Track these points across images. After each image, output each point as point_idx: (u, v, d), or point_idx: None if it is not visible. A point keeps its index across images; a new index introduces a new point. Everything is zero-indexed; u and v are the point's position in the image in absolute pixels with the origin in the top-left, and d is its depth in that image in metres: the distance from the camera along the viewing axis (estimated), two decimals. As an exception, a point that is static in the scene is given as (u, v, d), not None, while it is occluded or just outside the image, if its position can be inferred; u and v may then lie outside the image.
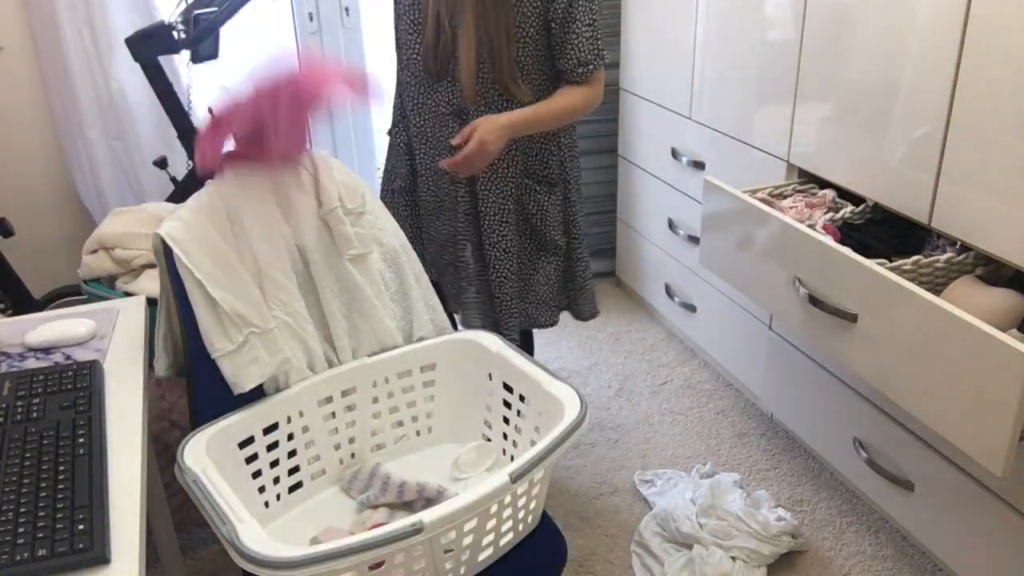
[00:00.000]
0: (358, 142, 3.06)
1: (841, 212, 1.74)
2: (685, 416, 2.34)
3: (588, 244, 1.88)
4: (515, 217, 1.74)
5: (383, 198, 1.86)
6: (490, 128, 1.57)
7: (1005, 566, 1.55)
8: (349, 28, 2.88)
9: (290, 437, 1.33)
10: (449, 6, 1.58)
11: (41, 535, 0.89)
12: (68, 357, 1.30)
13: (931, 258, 1.53)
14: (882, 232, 1.71)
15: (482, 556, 1.17)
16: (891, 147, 1.64)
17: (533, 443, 1.18)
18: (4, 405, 1.12)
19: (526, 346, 2.00)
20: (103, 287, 1.90)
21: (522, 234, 1.78)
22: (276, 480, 1.32)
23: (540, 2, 1.58)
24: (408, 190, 1.83)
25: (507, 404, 1.40)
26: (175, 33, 2.08)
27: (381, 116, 3.09)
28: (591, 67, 1.62)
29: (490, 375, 1.43)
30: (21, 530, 0.90)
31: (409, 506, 1.32)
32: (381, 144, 2.85)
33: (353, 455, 1.43)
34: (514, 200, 1.73)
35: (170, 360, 1.34)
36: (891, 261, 1.54)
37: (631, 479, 2.08)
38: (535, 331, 1.98)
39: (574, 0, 1.58)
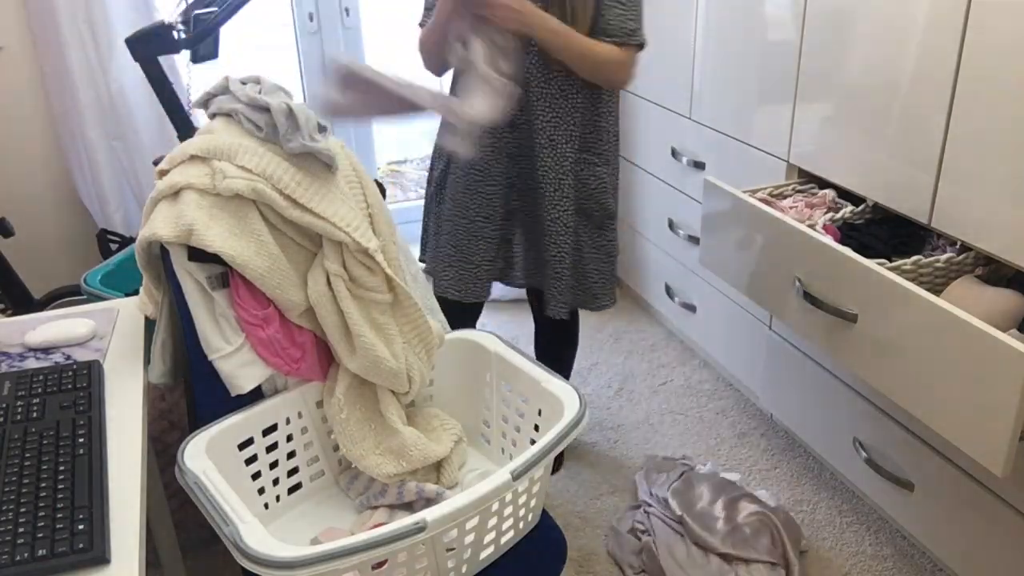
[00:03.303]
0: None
1: (841, 212, 1.74)
2: (685, 416, 2.35)
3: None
4: (572, 193, 1.79)
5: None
6: None
7: (1005, 566, 1.55)
8: (349, 28, 2.88)
9: (289, 438, 1.33)
10: None
11: (41, 535, 0.89)
12: (68, 357, 1.30)
13: (931, 258, 1.53)
14: (882, 232, 1.72)
15: (484, 554, 1.17)
16: (891, 147, 1.65)
17: (533, 442, 1.18)
18: (4, 405, 1.12)
19: (571, 330, 2.04)
20: (105, 287, 1.90)
21: (578, 212, 1.83)
22: (276, 481, 1.32)
23: None
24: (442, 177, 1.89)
25: (506, 403, 1.41)
26: (175, 33, 2.08)
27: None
28: (616, 39, 1.67)
29: (489, 374, 1.43)
30: (21, 530, 0.90)
31: (409, 507, 1.32)
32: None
33: (353, 455, 1.43)
34: (572, 175, 1.78)
35: (166, 367, 1.34)
36: (891, 261, 1.54)
37: (631, 479, 2.08)
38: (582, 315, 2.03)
39: None
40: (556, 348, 2.07)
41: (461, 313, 1.88)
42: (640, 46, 1.71)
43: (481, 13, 1.56)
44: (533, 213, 1.81)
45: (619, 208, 2.89)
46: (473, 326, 1.97)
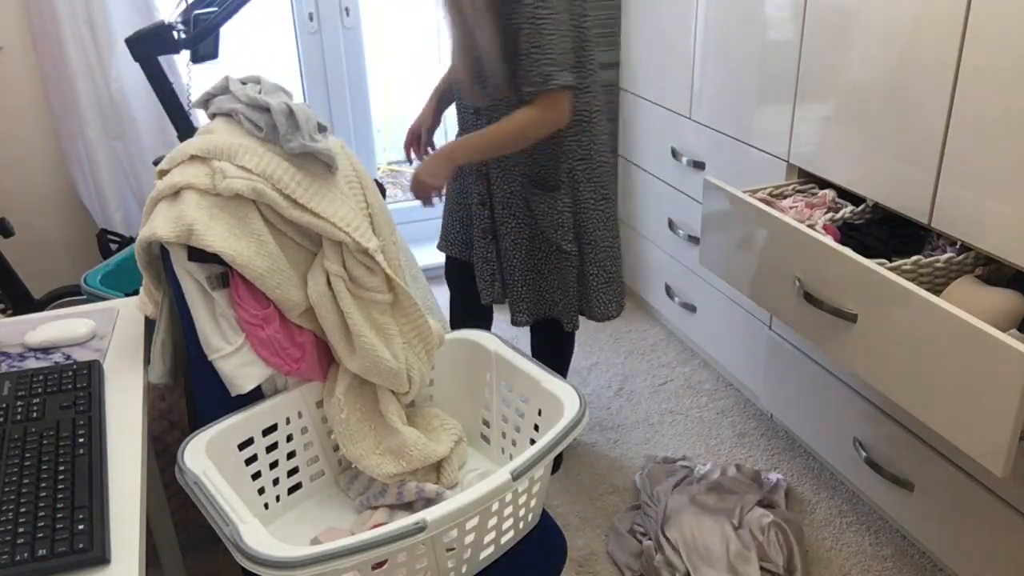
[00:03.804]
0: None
1: (841, 212, 1.74)
2: (685, 416, 2.35)
3: (614, 246, 1.92)
4: (524, 214, 1.83)
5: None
6: (429, 162, 1.72)
7: (1005, 566, 1.55)
8: (349, 28, 2.88)
9: (289, 438, 1.33)
10: (448, 20, 1.72)
11: (41, 535, 0.89)
12: (68, 357, 1.30)
13: (931, 258, 1.53)
14: (882, 232, 1.72)
15: (484, 554, 1.17)
16: (891, 147, 1.65)
17: (532, 442, 1.18)
18: (4, 405, 1.12)
19: (560, 343, 2.07)
20: (105, 287, 1.90)
21: (533, 233, 1.85)
22: (276, 481, 1.32)
23: (504, 23, 1.63)
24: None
25: (506, 403, 1.40)
26: (175, 33, 2.08)
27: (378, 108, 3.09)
28: (534, 89, 1.65)
29: (489, 374, 1.43)
30: (21, 530, 0.90)
31: (409, 507, 1.32)
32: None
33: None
34: (522, 199, 1.82)
35: (166, 367, 1.34)
36: (891, 261, 1.54)
37: (631, 479, 2.08)
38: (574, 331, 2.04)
39: (523, 22, 1.61)
40: (542, 357, 2.09)
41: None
42: (564, 88, 1.67)
43: (424, 196, 1.72)
44: (490, 226, 1.90)
45: (619, 208, 2.91)
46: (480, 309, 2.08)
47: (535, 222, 1.83)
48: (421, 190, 1.72)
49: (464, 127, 1.88)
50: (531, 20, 1.60)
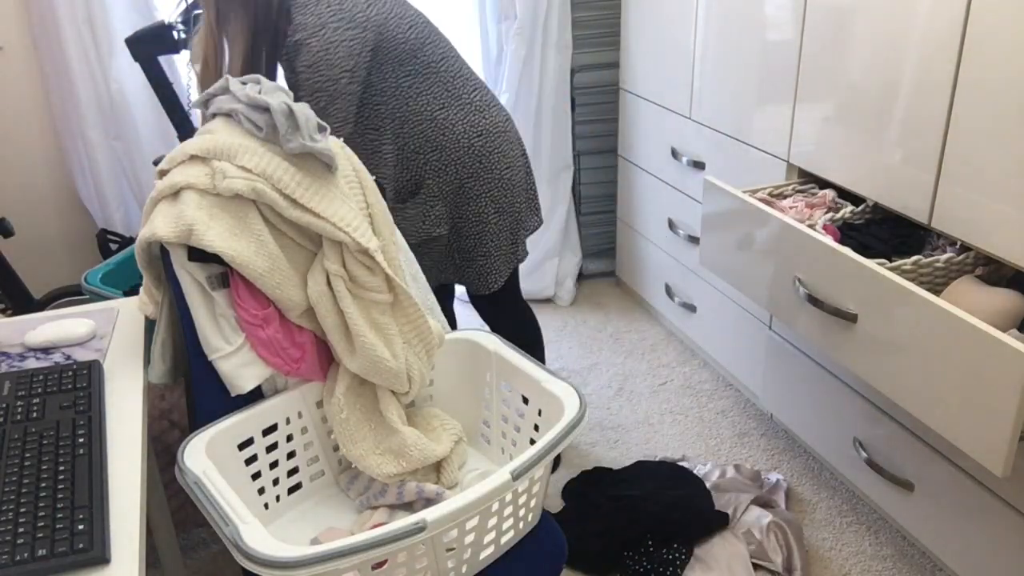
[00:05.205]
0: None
1: (841, 212, 1.74)
2: (685, 416, 2.35)
3: (504, 224, 1.87)
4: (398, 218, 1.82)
5: None
6: None
7: (1005, 566, 1.55)
8: (349, 28, 2.88)
9: (289, 438, 1.33)
10: None
11: (41, 535, 0.89)
12: (68, 357, 1.30)
13: (931, 258, 1.53)
14: (882, 232, 1.72)
15: (484, 554, 1.17)
16: (891, 147, 1.65)
17: (532, 442, 1.18)
18: (4, 405, 1.12)
19: (496, 313, 2.04)
20: (105, 285, 1.90)
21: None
22: (276, 481, 1.32)
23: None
24: None
25: (506, 403, 1.40)
26: (175, 33, 2.08)
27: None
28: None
29: (489, 374, 1.43)
30: (21, 530, 0.90)
31: (409, 507, 1.32)
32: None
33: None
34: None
35: (167, 367, 1.34)
36: (891, 261, 1.55)
37: (631, 479, 2.09)
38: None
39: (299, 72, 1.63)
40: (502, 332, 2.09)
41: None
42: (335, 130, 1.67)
43: None
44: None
45: (619, 208, 2.91)
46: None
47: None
48: None
49: None
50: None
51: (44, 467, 1.00)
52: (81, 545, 0.88)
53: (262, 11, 1.61)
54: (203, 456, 1.15)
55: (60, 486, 0.96)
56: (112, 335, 1.36)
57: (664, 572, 1.70)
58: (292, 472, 1.35)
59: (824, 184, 1.88)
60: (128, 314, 1.43)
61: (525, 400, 1.35)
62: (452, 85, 1.79)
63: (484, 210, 1.83)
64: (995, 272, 1.53)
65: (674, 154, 2.46)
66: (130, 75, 2.42)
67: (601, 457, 2.18)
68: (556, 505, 2.00)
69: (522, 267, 2.95)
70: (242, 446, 1.26)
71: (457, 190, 1.81)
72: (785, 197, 1.87)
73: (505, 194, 1.84)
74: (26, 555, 0.87)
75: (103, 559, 0.89)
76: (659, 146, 2.56)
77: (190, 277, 1.21)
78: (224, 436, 1.22)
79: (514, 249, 1.90)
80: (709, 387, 2.48)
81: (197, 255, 1.20)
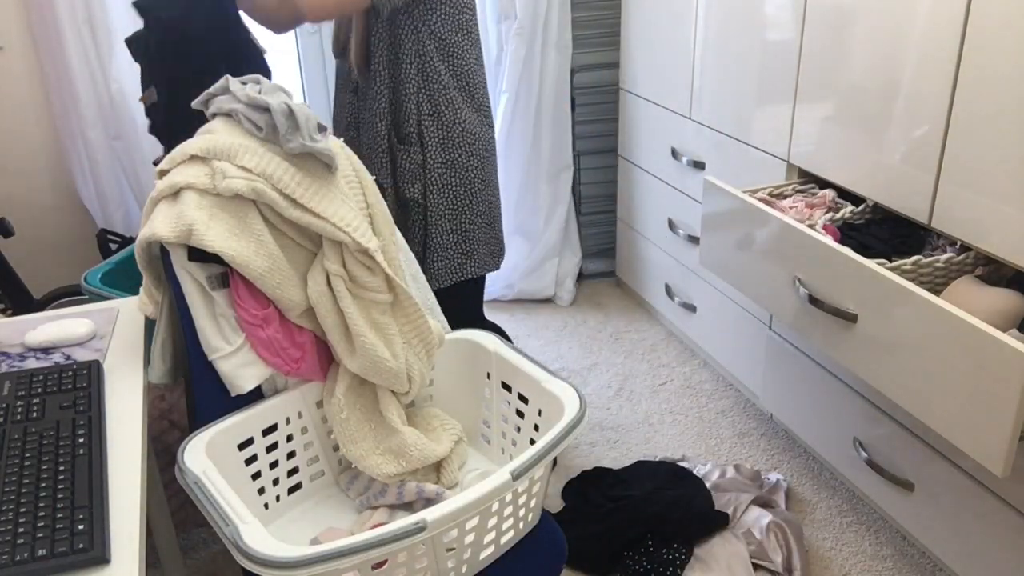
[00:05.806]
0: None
1: (841, 212, 1.74)
2: (685, 416, 2.35)
3: (472, 220, 1.85)
4: (390, 166, 1.80)
5: None
6: None
7: (1005, 566, 1.55)
8: (349, 28, 2.88)
9: (289, 438, 1.33)
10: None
11: (41, 535, 0.89)
12: (68, 357, 1.30)
13: (931, 258, 1.53)
14: (882, 232, 1.72)
15: (484, 554, 1.17)
16: (891, 147, 1.65)
17: (532, 442, 1.18)
18: (4, 405, 1.12)
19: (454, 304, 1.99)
20: (105, 285, 1.90)
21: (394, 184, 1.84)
22: (276, 481, 1.32)
23: None
24: None
25: (507, 403, 1.40)
26: (175, 33, 2.08)
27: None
28: None
29: (489, 374, 1.43)
30: (21, 530, 0.90)
31: (409, 507, 1.32)
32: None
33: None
34: (386, 151, 1.79)
35: (167, 367, 1.34)
36: (891, 261, 1.55)
37: (631, 479, 2.09)
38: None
39: None
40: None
41: None
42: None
43: None
44: None
45: (619, 208, 2.91)
46: None
47: (395, 175, 1.81)
48: None
49: (339, 100, 1.92)
50: None
51: (44, 467, 1.00)
52: (81, 545, 0.88)
53: None
54: (203, 456, 1.15)
55: (60, 486, 0.96)
56: (112, 335, 1.36)
57: (664, 572, 1.70)
58: (292, 472, 1.35)
59: (824, 184, 1.88)
60: (128, 314, 1.43)
61: (525, 400, 1.35)
62: (479, 74, 1.83)
63: (443, 201, 1.82)
64: (995, 272, 1.53)
65: (674, 154, 2.46)
66: (130, 75, 2.42)
67: (601, 457, 2.18)
68: (556, 505, 2.00)
69: (522, 267, 2.98)
70: (242, 446, 1.26)
71: (434, 169, 1.80)
72: (785, 197, 1.87)
73: (471, 201, 1.84)
74: (26, 555, 0.87)
75: (103, 559, 0.89)
76: (659, 146, 2.56)
77: (190, 277, 1.21)
78: (224, 436, 1.22)
79: (462, 260, 1.86)
80: (709, 387, 2.48)
81: (197, 255, 1.20)
